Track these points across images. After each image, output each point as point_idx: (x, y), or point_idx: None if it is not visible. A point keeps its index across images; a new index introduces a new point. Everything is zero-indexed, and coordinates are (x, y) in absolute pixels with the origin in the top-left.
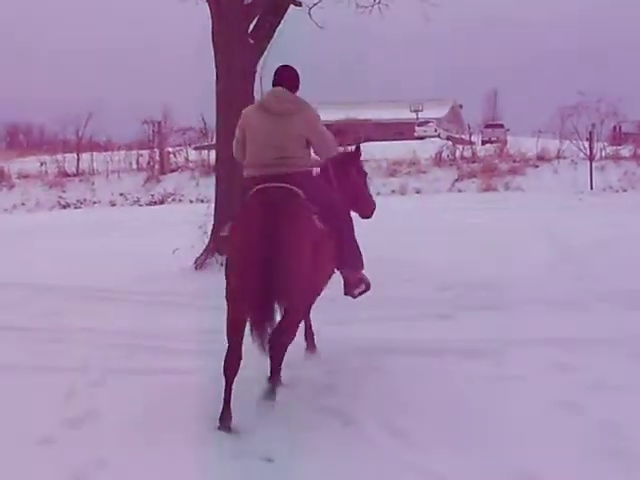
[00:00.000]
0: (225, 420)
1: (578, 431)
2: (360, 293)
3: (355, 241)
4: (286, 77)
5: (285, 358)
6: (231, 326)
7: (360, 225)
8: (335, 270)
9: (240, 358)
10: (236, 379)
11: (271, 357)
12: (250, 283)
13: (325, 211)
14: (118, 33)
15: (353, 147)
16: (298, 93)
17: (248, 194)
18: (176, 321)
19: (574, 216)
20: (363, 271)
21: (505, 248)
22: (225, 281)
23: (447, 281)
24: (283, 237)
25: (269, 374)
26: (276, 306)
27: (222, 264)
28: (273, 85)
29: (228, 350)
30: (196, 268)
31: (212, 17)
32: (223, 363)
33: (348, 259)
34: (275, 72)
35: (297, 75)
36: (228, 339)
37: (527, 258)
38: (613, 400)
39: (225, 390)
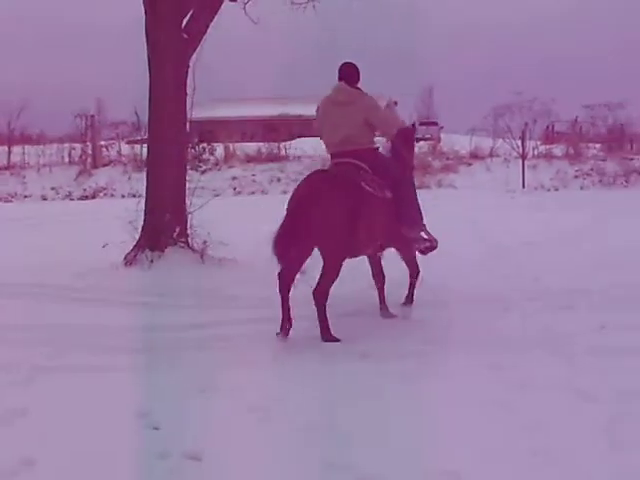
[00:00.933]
0: (285, 329)
1: (504, 430)
2: (426, 248)
3: (415, 205)
4: (346, 73)
5: None
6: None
7: None
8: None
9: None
10: None
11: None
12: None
13: (385, 181)
14: (47, 20)
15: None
16: (359, 84)
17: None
18: (106, 317)
19: (505, 214)
20: (423, 232)
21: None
22: None
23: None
24: (317, 202)
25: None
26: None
27: (152, 260)
28: (338, 80)
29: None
30: (126, 264)
31: (146, 11)
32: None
33: (406, 219)
34: (339, 68)
35: (357, 70)
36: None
37: (456, 256)
38: (539, 399)
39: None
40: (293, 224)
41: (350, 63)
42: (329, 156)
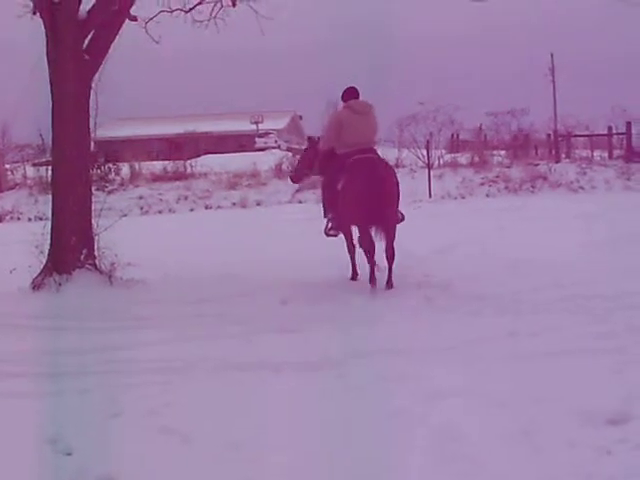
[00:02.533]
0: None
1: (420, 439)
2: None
3: None
4: (357, 93)
5: None
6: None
7: None
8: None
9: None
10: None
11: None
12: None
13: None
14: None
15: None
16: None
17: (349, 161)
18: (14, 343)
19: (413, 224)
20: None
21: (343, 257)
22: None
23: (289, 295)
24: (391, 180)
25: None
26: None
27: (60, 284)
28: (350, 98)
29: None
30: (34, 288)
31: (46, 32)
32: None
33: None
34: (349, 90)
35: (358, 91)
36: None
37: (367, 269)
38: (451, 406)
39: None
40: (390, 194)
41: (355, 87)
42: (346, 153)
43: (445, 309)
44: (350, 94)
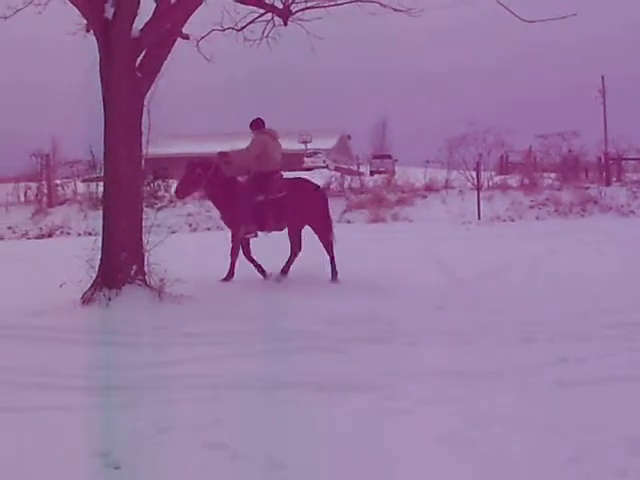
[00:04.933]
0: None
1: (466, 465)
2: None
3: None
4: (264, 123)
5: None
6: None
7: None
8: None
9: None
10: None
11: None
12: None
13: None
14: (7, 62)
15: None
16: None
17: (274, 177)
18: (63, 357)
19: (462, 246)
20: None
21: (393, 279)
22: None
23: (336, 314)
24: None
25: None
26: None
27: (109, 299)
28: (260, 127)
29: None
30: (83, 303)
31: (99, 50)
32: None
33: None
34: (259, 120)
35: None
36: None
37: (416, 290)
38: (499, 433)
39: None
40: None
41: (262, 117)
42: (273, 171)
43: (494, 333)
44: (261, 123)
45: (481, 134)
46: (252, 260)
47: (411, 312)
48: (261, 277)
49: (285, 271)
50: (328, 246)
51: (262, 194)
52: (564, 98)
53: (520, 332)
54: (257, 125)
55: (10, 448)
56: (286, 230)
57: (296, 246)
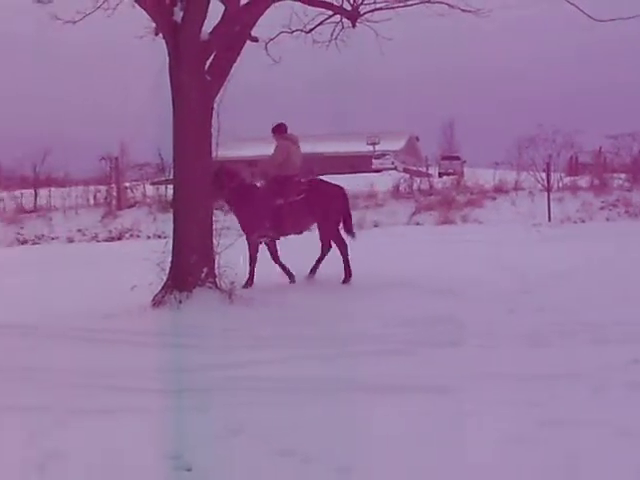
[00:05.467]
0: None
1: (536, 467)
2: None
3: None
4: (287, 128)
5: None
6: None
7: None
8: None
9: None
10: None
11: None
12: None
13: None
14: (76, 66)
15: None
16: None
17: (292, 180)
18: (134, 359)
19: (532, 248)
20: None
21: (463, 281)
22: None
23: (405, 316)
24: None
25: None
26: None
27: (180, 301)
28: (283, 132)
29: None
30: (154, 305)
31: (169, 54)
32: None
33: None
34: (281, 125)
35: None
36: None
37: (485, 291)
38: (571, 435)
39: None
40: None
41: (284, 122)
42: (292, 175)
43: (566, 335)
44: (283, 129)
45: (550, 135)
46: (281, 264)
47: (482, 314)
48: (289, 281)
49: (314, 270)
50: (342, 247)
51: (281, 198)
52: (635, 98)
53: (591, 334)
54: (279, 130)
55: (83, 450)
56: (308, 233)
57: (326, 246)
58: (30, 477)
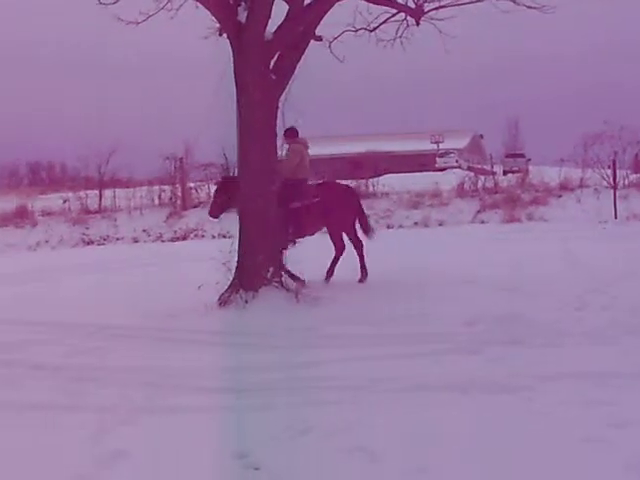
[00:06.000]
0: None
1: (607, 468)
2: None
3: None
4: (298, 132)
5: None
6: None
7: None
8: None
9: None
10: None
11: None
12: None
13: None
14: (140, 68)
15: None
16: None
17: (305, 184)
18: (203, 358)
19: (600, 245)
20: None
21: (530, 279)
22: None
23: (471, 315)
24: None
25: None
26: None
27: (246, 301)
28: (295, 136)
29: None
30: (220, 305)
31: (233, 53)
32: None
33: None
34: (293, 130)
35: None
36: None
37: (554, 290)
38: None
39: None
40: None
41: (295, 127)
42: (304, 179)
43: (635, 334)
44: (295, 133)
45: (616, 132)
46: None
47: (549, 313)
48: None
49: (330, 273)
50: (359, 247)
51: (297, 201)
52: None
53: None
54: (292, 134)
55: (149, 449)
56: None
57: (340, 248)
58: (97, 475)
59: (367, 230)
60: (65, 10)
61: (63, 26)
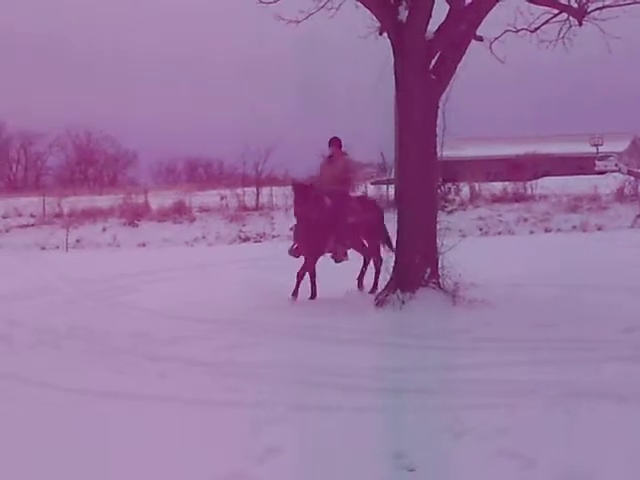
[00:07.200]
0: None
1: None
2: None
3: None
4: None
5: None
6: None
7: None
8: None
9: None
10: None
11: None
12: None
13: None
14: (297, 72)
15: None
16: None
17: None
18: (357, 357)
19: None
20: None
21: None
22: None
23: (632, 321)
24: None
25: None
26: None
27: (403, 301)
28: (340, 146)
29: None
30: (377, 305)
31: (394, 53)
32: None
33: None
34: (337, 139)
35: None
36: None
37: None
38: None
39: None
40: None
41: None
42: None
43: None
44: (340, 142)
45: None
46: (301, 277)
47: None
48: (290, 295)
49: (375, 286)
50: (379, 261)
51: (353, 215)
52: None
53: None
54: (339, 144)
55: (305, 446)
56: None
57: (379, 262)
58: (249, 469)
59: (390, 244)
60: (227, 14)
61: (225, 32)
